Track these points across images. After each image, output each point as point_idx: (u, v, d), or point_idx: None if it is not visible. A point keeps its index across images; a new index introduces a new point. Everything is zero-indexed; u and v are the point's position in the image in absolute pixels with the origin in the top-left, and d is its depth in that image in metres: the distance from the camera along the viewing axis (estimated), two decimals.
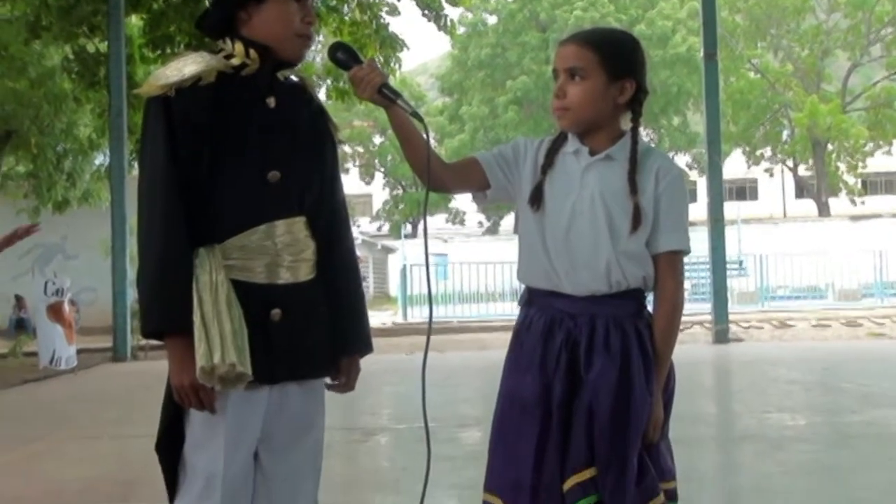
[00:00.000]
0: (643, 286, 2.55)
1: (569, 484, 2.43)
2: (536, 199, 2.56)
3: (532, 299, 2.62)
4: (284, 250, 2.52)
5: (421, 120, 2.60)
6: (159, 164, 2.43)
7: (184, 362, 2.37)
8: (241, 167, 2.50)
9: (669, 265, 2.55)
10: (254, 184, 2.50)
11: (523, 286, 2.67)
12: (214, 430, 2.44)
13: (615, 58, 2.52)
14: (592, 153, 2.55)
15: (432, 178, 2.58)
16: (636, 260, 2.51)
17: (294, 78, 2.67)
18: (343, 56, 2.64)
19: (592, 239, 2.50)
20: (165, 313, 2.40)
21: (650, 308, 2.59)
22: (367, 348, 2.75)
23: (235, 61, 2.53)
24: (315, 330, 2.59)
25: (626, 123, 2.59)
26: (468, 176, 2.66)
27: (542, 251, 2.55)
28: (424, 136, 2.60)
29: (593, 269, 2.50)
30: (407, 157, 2.62)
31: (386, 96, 2.53)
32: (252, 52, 2.53)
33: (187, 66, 2.50)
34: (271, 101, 2.55)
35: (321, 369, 2.65)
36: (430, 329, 2.72)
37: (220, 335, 2.33)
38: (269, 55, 2.55)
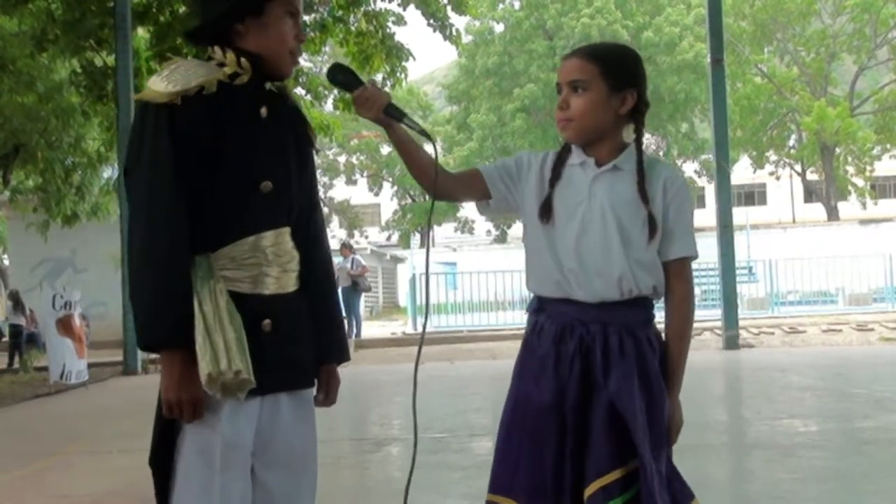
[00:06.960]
0: (653, 295, 2.59)
1: (592, 489, 2.44)
2: (546, 212, 2.60)
3: (542, 306, 2.64)
4: (273, 261, 2.52)
5: (429, 137, 2.64)
6: (163, 173, 2.40)
7: (183, 376, 2.35)
8: (237, 177, 2.49)
9: (680, 271, 2.61)
10: (247, 194, 2.50)
11: (532, 294, 2.70)
12: (208, 443, 2.42)
13: (616, 70, 2.58)
14: (598, 164, 2.60)
15: (438, 190, 2.65)
16: (648, 269, 2.55)
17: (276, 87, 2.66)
18: (344, 77, 2.68)
19: (604, 248, 2.54)
20: (172, 325, 2.35)
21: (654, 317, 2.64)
22: (344, 357, 2.76)
23: (227, 70, 2.52)
24: (302, 340, 2.60)
25: (629, 136, 2.63)
26: (471, 186, 2.72)
27: (552, 261, 2.59)
28: (431, 149, 2.64)
29: (605, 277, 2.53)
30: (412, 172, 2.67)
31: (392, 115, 2.60)
32: (244, 61, 2.53)
33: (191, 73, 2.49)
34: (263, 111, 2.55)
35: (310, 379, 2.65)
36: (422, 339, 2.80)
37: (223, 342, 2.32)
38: (260, 66, 2.55)
